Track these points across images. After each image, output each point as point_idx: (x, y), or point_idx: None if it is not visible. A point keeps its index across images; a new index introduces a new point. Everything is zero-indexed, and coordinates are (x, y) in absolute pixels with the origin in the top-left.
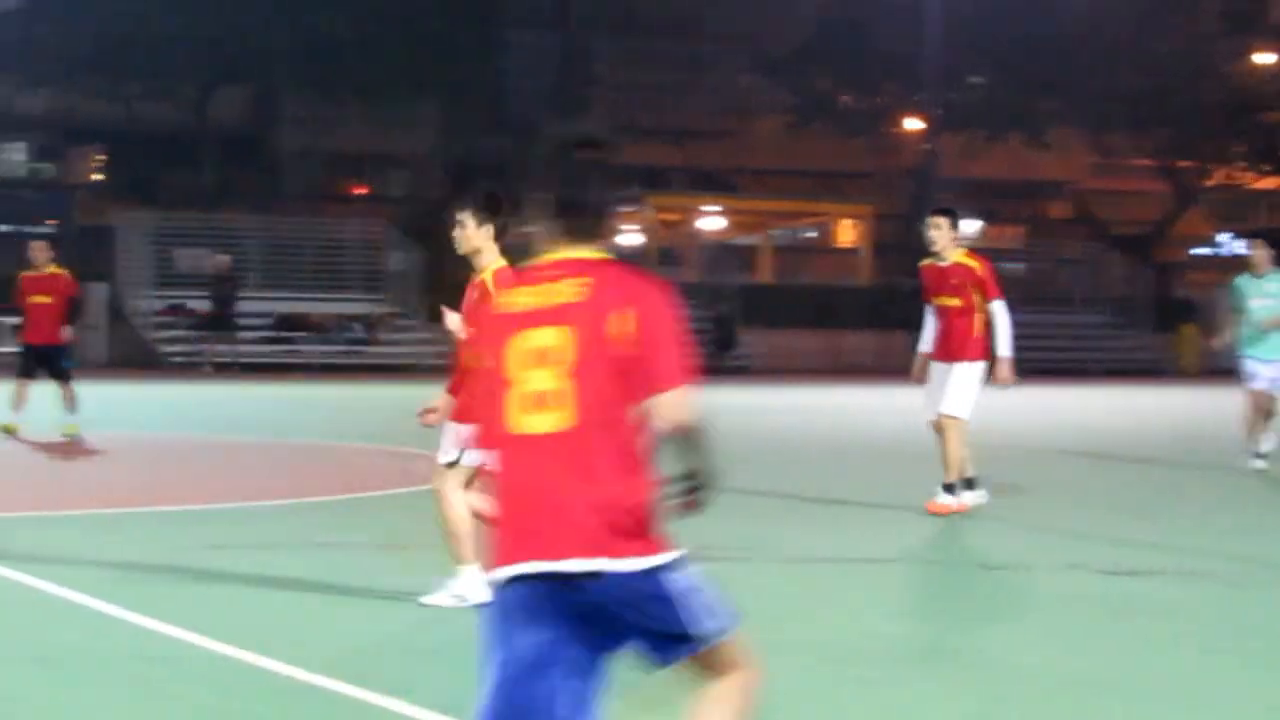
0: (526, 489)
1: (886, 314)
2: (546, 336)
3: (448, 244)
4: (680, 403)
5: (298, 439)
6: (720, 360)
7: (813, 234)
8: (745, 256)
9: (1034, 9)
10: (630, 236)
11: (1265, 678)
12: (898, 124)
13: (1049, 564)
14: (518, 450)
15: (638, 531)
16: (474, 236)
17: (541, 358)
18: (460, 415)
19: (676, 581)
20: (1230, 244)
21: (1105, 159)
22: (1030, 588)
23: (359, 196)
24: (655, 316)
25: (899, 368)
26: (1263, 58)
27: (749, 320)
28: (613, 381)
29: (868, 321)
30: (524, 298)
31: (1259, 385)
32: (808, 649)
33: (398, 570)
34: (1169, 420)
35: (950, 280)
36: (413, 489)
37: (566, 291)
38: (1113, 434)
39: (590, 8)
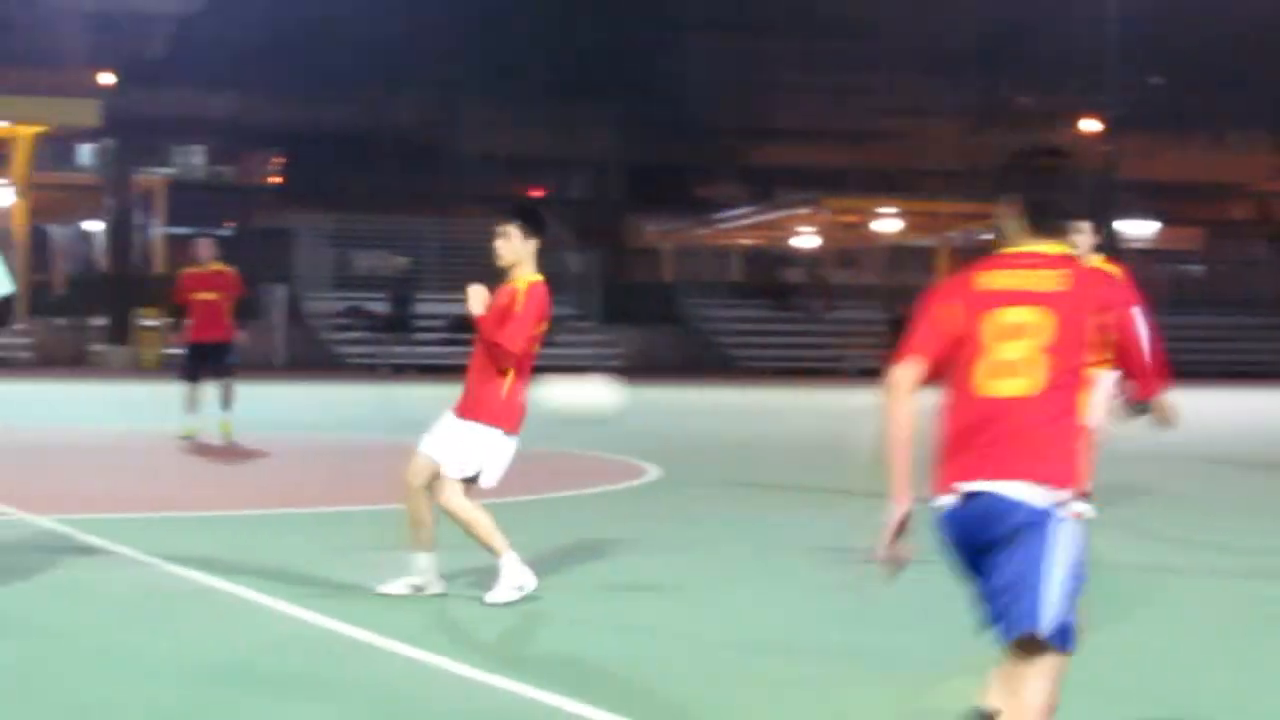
0: (982, 437)
1: None
2: (1025, 314)
3: (626, 246)
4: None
5: None
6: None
7: (990, 235)
8: (923, 258)
9: (1215, 9)
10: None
11: None
12: (1076, 125)
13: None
14: (983, 409)
15: (1065, 478)
16: (519, 249)
17: (1017, 332)
18: (483, 414)
19: (1069, 538)
20: None
21: None
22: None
23: (538, 199)
24: (1134, 327)
25: None
26: None
27: None
28: (1074, 356)
29: None
30: (1003, 279)
31: None
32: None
33: (570, 572)
34: None
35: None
36: (576, 492)
37: (1049, 279)
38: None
39: (769, 10)
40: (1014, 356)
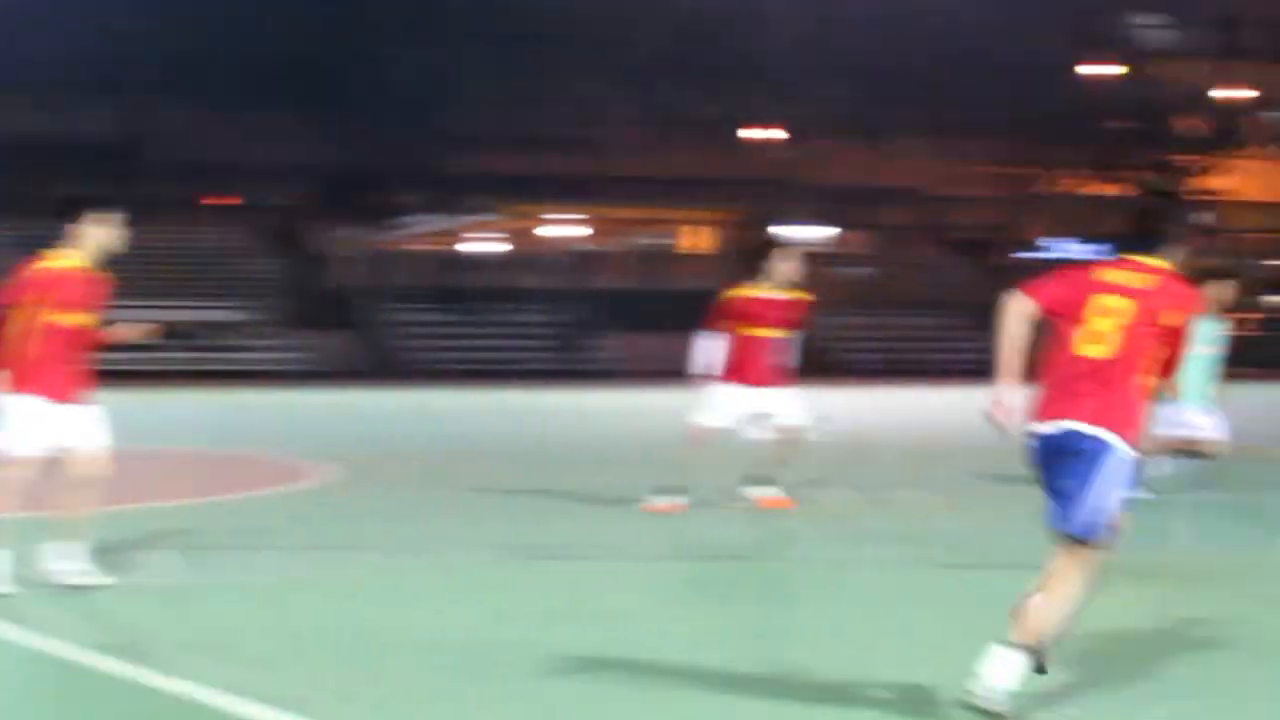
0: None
1: None
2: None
3: (314, 252)
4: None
5: (156, 445)
6: (577, 363)
7: (669, 240)
8: (603, 262)
9: (885, 21)
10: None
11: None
12: (753, 131)
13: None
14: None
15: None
16: None
17: (1106, 312)
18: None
19: (1117, 470)
20: (1071, 249)
21: (950, 166)
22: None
23: (228, 206)
24: (1190, 326)
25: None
26: (1104, 69)
27: (607, 325)
28: (1145, 343)
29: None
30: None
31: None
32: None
33: (240, 572)
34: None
35: (782, 311)
36: (251, 493)
37: (1138, 279)
38: (959, 432)
39: (456, 20)
40: (1101, 328)
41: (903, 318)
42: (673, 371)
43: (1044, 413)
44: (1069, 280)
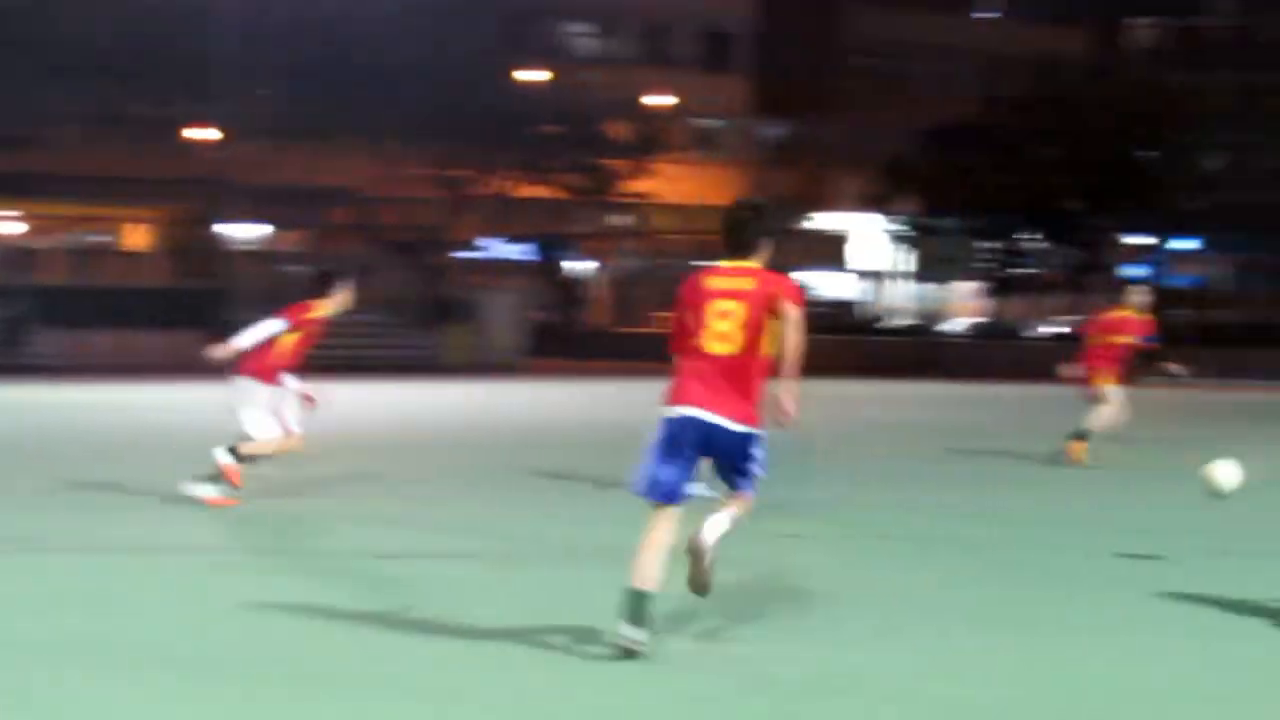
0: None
1: (177, 314)
2: (730, 304)
3: None
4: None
5: None
6: (11, 358)
7: (107, 237)
8: (39, 258)
9: (321, 24)
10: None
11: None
12: (190, 132)
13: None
14: (708, 362)
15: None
16: None
17: (724, 315)
18: None
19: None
20: (503, 248)
21: (386, 167)
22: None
23: None
24: (794, 309)
25: (190, 366)
26: (533, 75)
27: (42, 320)
28: (760, 336)
29: (159, 321)
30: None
31: None
32: (91, 642)
33: None
34: (442, 411)
35: (324, 328)
36: None
37: (744, 282)
38: (395, 424)
39: None
40: (724, 329)
41: (341, 315)
42: (112, 366)
43: (683, 399)
44: (685, 301)
